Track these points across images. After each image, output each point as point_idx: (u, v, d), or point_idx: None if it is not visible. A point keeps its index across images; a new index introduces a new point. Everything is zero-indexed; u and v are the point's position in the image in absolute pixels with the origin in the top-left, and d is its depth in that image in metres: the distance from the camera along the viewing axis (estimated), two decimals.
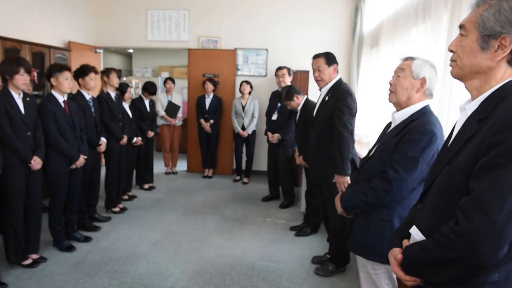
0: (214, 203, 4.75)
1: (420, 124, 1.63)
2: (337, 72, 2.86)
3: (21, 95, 2.87)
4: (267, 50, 5.88)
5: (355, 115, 2.73)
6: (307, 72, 5.48)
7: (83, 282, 2.80)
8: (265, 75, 5.93)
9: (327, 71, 2.80)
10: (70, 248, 3.30)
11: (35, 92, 4.35)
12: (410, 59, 1.71)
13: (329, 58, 2.81)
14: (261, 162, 6.02)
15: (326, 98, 2.82)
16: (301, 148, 3.71)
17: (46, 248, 3.29)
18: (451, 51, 1.11)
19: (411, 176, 1.64)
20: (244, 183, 5.72)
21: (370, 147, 1.90)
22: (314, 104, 3.20)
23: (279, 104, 4.63)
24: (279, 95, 4.08)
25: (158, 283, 2.84)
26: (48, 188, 3.22)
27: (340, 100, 2.69)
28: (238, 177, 5.81)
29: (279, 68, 4.70)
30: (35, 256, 3.06)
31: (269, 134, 4.77)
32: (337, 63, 2.85)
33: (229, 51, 5.91)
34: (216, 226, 4.00)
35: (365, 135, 4.73)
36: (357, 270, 3.06)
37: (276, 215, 4.38)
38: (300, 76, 5.54)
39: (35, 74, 4.28)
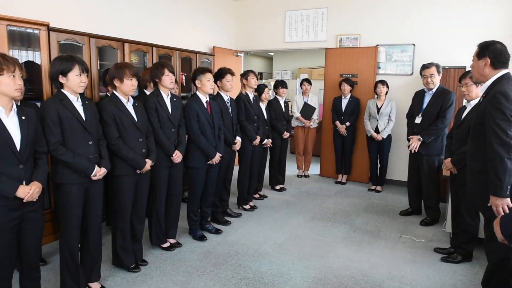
0: (344, 211, 4.48)
1: None
2: (493, 67, 2.20)
3: (169, 95, 3.19)
4: (414, 45, 5.25)
5: None
6: (463, 68, 4.65)
7: (209, 271, 2.96)
8: (411, 74, 5.30)
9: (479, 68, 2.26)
10: (202, 238, 3.55)
11: (183, 94, 4.81)
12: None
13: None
14: (399, 170, 5.43)
15: (481, 99, 2.31)
16: (455, 150, 3.12)
17: (182, 235, 3.62)
18: None
19: None
20: (377, 191, 5.26)
21: None
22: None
23: (424, 106, 4.05)
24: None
25: (278, 284, 2.80)
26: (188, 181, 3.52)
27: (491, 103, 2.10)
28: (373, 186, 5.37)
29: (426, 67, 3.99)
30: (172, 240, 3.40)
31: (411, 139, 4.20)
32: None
33: (370, 48, 5.49)
34: (344, 235, 3.74)
35: None
36: None
37: (414, 232, 3.84)
38: (454, 74, 4.74)
39: (183, 77, 4.78)
